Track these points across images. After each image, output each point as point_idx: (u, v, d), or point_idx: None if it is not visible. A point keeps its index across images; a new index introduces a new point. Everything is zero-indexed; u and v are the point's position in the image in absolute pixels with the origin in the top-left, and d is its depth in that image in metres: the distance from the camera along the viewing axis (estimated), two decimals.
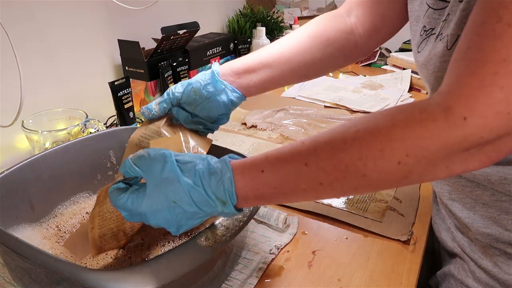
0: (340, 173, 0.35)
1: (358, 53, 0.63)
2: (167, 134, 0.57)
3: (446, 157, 0.32)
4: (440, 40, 0.45)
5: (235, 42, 1.30)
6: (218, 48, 1.23)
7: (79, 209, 0.66)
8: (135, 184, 0.44)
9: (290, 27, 1.47)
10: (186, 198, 0.39)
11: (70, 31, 0.94)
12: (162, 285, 0.39)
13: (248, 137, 0.98)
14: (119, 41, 1.02)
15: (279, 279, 0.57)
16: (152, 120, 0.59)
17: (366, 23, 0.60)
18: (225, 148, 0.67)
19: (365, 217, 0.68)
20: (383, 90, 1.28)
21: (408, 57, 1.39)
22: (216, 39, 1.23)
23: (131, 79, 0.96)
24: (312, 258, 0.61)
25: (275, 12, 1.68)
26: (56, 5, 0.90)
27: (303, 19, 1.55)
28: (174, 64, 1.05)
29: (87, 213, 0.66)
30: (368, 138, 0.34)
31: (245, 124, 1.04)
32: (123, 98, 0.90)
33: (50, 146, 0.76)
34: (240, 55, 1.31)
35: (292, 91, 1.31)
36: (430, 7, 0.49)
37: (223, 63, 1.25)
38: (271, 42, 1.32)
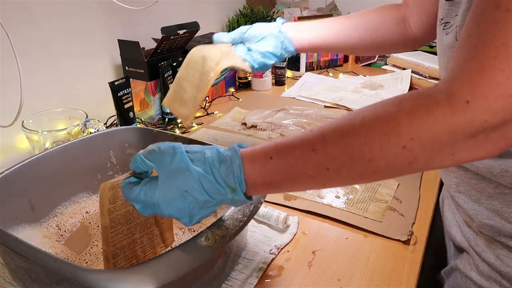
0: (347, 158, 0.36)
1: (408, 42, 0.71)
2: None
3: (451, 143, 0.32)
4: (451, 31, 0.47)
5: None
6: None
7: (79, 209, 0.66)
8: (145, 178, 0.45)
9: None
10: (197, 187, 0.40)
11: (70, 31, 0.94)
12: (162, 285, 0.39)
13: (248, 137, 0.98)
14: (119, 41, 1.02)
15: (279, 279, 0.57)
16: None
17: (415, 15, 0.68)
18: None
19: (365, 217, 0.68)
20: (383, 90, 1.28)
21: (408, 57, 1.39)
22: None
23: (131, 79, 0.96)
24: (312, 258, 0.61)
25: (275, 12, 1.68)
26: (56, 5, 0.90)
27: (303, 19, 1.55)
28: (174, 64, 1.05)
29: (87, 212, 0.66)
30: (375, 123, 0.35)
31: (245, 124, 1.04)
32: (123, 98, 0.90)
33: (50, 146, 0.76)
34: None
35: (292, 91, 1.31)
36: None
37: None
38: None
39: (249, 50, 0.67)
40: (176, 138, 0.70)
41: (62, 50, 0.94)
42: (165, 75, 1.02)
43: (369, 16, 0.71)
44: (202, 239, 0.44)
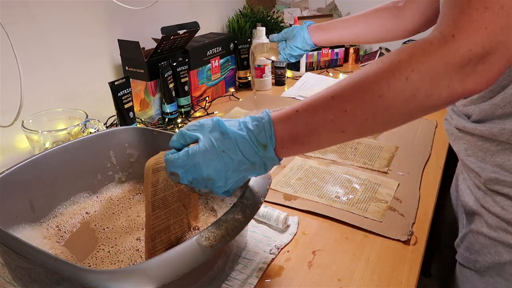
0: (359, 98, 0.42)
1: (401, 28, 0.83)
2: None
3: (445, 73, 0.39)
4: None
5: (235, 42, 1.30)
6: (218, 48, 1.23)
7: (79, 209, 0.66)
8: None
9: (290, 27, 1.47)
10: (233, 146, 0.46)
11: (70, 31, 0.94)
12: (162, 285, 0.39)
13: None
14: (119, 41, 1.02)
15: (279, 279, 0.57)
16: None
17: (415, 9, 0.80)
18: None
19: (365, 217, 0.68)
20: None
21: None
22: (216, 39, 1.23)
23: (131, 79, 0.96)
24: (312, 258, 0.61)
25: (275, 12, 1.68)
26: (55, 6, 0.90)
27: (303, 19, 1.55)
28: (174, 64, 1.05)
29: (87, 213, 0.66)
30: (380, 67, 0.42)
31: None
32: (123, 98, 0.90)
33: (50, 146, 0.76)
34: (240, 55, 1.31)
35: (292, 91, 1.31)
36: None
37: (223, 64, 1.25)
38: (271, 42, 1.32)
39: (286, 45, 0.93)
40: None
41: (62, 50, 0.94)
42: (165, 75, 1.02)
43: (382, 17, 0.85)
44: (202, 239, 0.44)
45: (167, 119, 1.07)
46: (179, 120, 1.08)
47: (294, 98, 1.25)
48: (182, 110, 1.10)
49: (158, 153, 0.52)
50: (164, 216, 0.55)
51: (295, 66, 1.46)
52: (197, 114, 1.15)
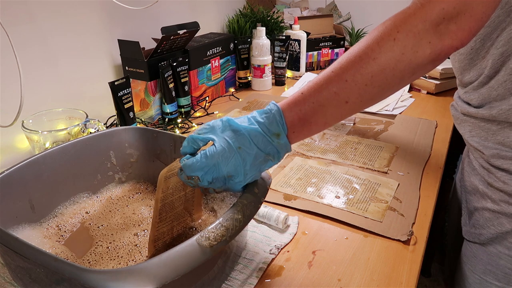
0: (357, 64, 0.46)
1: None
2: None
3: (425, 31, 0.44)
4: None
5: (235, 42, 1.30)
6: (218, 48, 1.23)
7: (79, 209, 0.66)
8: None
9: (290, 27, 1.47)
10: (248, 141, 0.48)
11: (70, 31, 0.94)
12: (162, 285, 0.39)
13: None
14: (119, 41, 1.02)
15: (279, 279, 0.57)
16: None
17: None
18: None
19: (365, 217, 0.68)
20: None
21: None
22: (216, 39, 1.23)
23: (131, 79, 0.96)
24: (312, 258, 0.61)
25: (275, 12, 1.68)
26: (56, 6, 0.90)
27: (303, 19, 1.55)
28: (174, 64, 1.05)
29: (86, 213, 0.66)
30: (371, 34, 0.47)
31: None
32: (123, 98, 0.90)
33: (50, 146, 0.76)
34: (240, 55, 1.31)
35: (292, 91, 1.31)
36: None
37: (223, 64, 1.25)
38: (271, 42, 1.32)
39: None
40: (176, 138, 0.70)
41: (62, 50, 0.94)
42: (165, 75, 1.02)
43: None
44: (202, 239, 0.44)
45: (167, 119, 1.07)
46: (179, 120, 1.08)
47: None
48: (182, 110, 1.10)
49: (165, 161, 0.54)
50: (169, 219, 0.56)
51: (295, 66, 1.46)
52: (197, 114, 1.15)
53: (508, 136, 0.63)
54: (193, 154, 0.52)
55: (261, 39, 1.29)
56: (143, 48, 1.03)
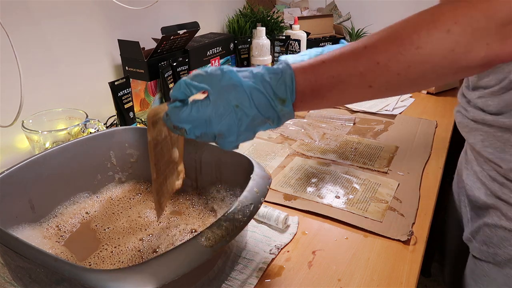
0: (396, 48, 0.39)
1: None
2: None
3: (487, 30, 0.38)
4: None
5: (235, 42, 1.30)
6: (218, 48, 1.23)
7: (79, 209, 0.66)
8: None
9: (290, 27, 1.47)
10: (247, 100, 0.42)
11: (70, 31, 0.94)
12: (162, 285, 0.39)
13: None
14: (119, 41, 1.02)
15: (279, 279, 0.57)
16: None
17: None
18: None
19: (365, 217, 0.68)
20: None
21: None
22: (216, 39, 1.23)
23: (131, 79, 0.96)
24: (312, 258, 0.61)
25: (275, 12, 1.68)
26: (56, 5, 0.90)
27: (303, 19, 1.55)
28: (174, 64, 1.05)
29: (87, 213, 0.66)
30: (423, 16, 0.39)
31: None
32: (123, 98, 0.90)
33: (50, 146, 0.76)
34: (240, 55, 1.31)
35: None
36: None
37: (223, 64, 1.25)
38: (271, 42, 1.32)
39: None
40: None
41: (62, 50, 0.94)
42: (165, 75, 1.02)
43: None
44: (202, 239, 0.44)
45: None
46: None
47: None
48: None
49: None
50: (162, 167, 0.52)
51: None
52: None
53: None
54: (183, 100, 0.46)
55: (261, 39, 1.29)
56: (143, 48, 1.03)
